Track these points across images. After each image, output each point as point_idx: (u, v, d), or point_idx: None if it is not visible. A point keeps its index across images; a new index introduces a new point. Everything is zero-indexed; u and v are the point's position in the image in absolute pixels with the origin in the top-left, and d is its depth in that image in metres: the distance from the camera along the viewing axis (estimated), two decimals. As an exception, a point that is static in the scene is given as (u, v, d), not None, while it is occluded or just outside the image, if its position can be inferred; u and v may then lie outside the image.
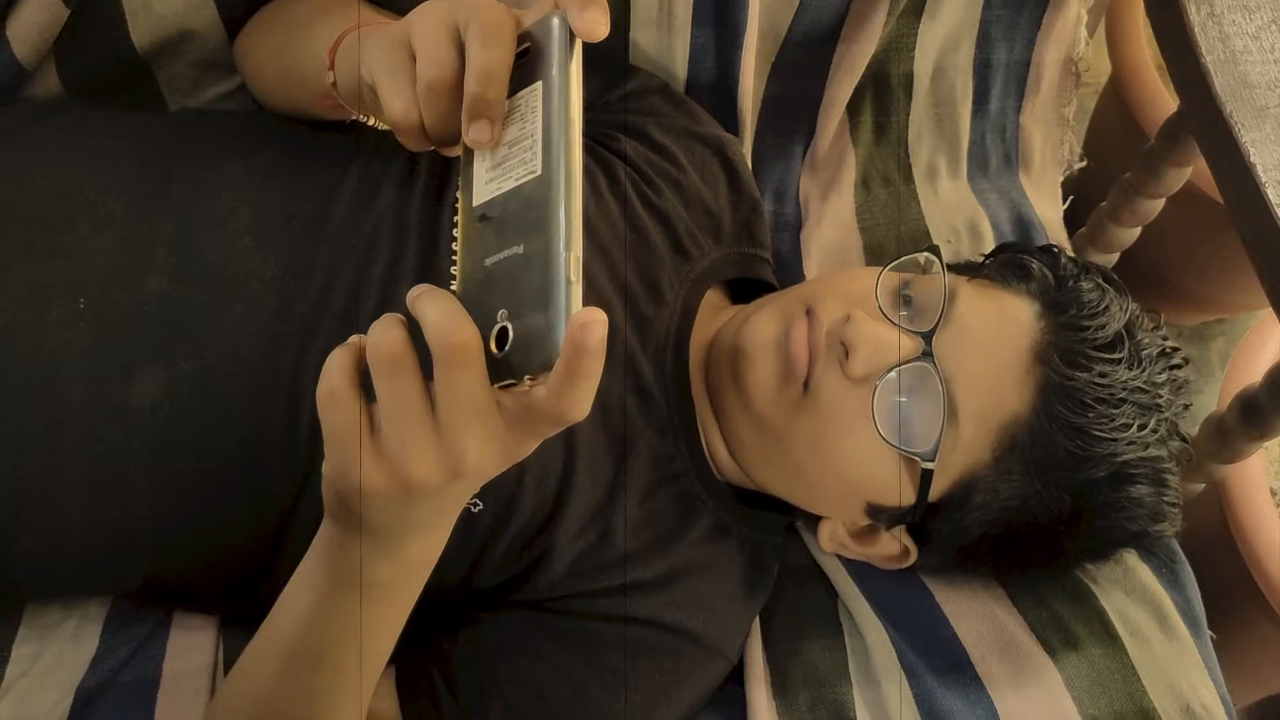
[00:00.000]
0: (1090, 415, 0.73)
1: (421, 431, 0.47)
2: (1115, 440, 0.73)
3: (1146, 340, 0.78)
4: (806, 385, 0.75)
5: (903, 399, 0.74)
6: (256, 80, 0.86)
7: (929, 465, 0.73)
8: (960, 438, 0.73)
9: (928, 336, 0.74)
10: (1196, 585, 0.90)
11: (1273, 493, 1.20)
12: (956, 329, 0.74)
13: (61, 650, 0.76)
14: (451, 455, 0.48)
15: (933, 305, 0.76)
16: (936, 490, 0.75)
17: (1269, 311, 1.33)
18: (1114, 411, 0.73)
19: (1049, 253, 0.83)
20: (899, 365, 0.73)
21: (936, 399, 0.73)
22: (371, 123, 0.68)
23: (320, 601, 0.59)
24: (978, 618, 0.84)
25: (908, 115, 1.10)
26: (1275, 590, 1.15)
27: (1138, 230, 1.16)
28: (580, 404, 0.47)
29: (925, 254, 0.79)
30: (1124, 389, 0.74)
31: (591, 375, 0.46)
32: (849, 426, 0.74)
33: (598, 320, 0.44)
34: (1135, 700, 0.80)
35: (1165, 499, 0.77)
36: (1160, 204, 1.12)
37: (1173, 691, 0.81)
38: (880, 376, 0.73)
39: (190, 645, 0.77)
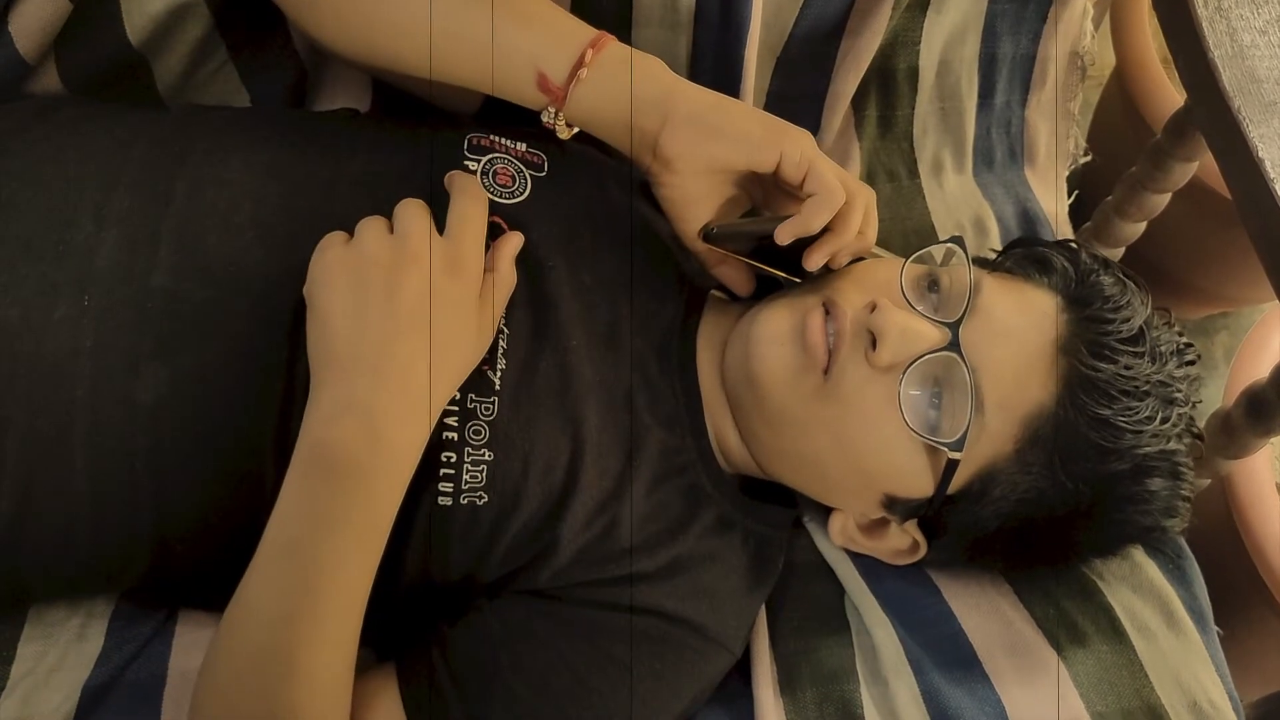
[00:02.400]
0: (1116, 407, 0.73)
1: (381, 224, 0.70)
2: (1140, 433, 0.74)
3: (1163, 336, 0.78)
4: (827, 373, 0.75)
5: (927, 390, 0.74)
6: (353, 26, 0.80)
7: (956, 456, 0.73)
8: (986, 428, 0.73)
9: (954, 326, 0.74)
10: (1203, 581, 0.90)
11: (1279, 488, 1.20)
12: (982, 319, 0.75)
13: (66, 649, 0.76)
14: (400, 234, 0.69)
15: (957, 296, 0.76)
16: (957, 482, 0.75)
17: (1274, 305, 1.34)
18: (1138, 404, 0.74)
19: (1068, 248, 0.83)
20: (927, 354, 0.73)
21: (963, 389, 0.73)
22: (551, 122, 0.78)
23: (296, 490, 0.65)
24: (985, 614, 0.84)
25: (913, 110, 1.10)
26: (1281, 586, 1.15)
27: (1143, 225, 1.16)
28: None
29: (947, 245, 0.79)
30: (1147, 382, 0.75)
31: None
32: (873, 416, 0.74)
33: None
34: (1143, 697, 0.80)
35: (1180, 492, 0.78)
36: (1166, 199, 1.12)
37: (1180, 688, 0.81)
38: (907, 366, 0.73)
39: (196, 642, 0.77)
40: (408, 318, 0.67)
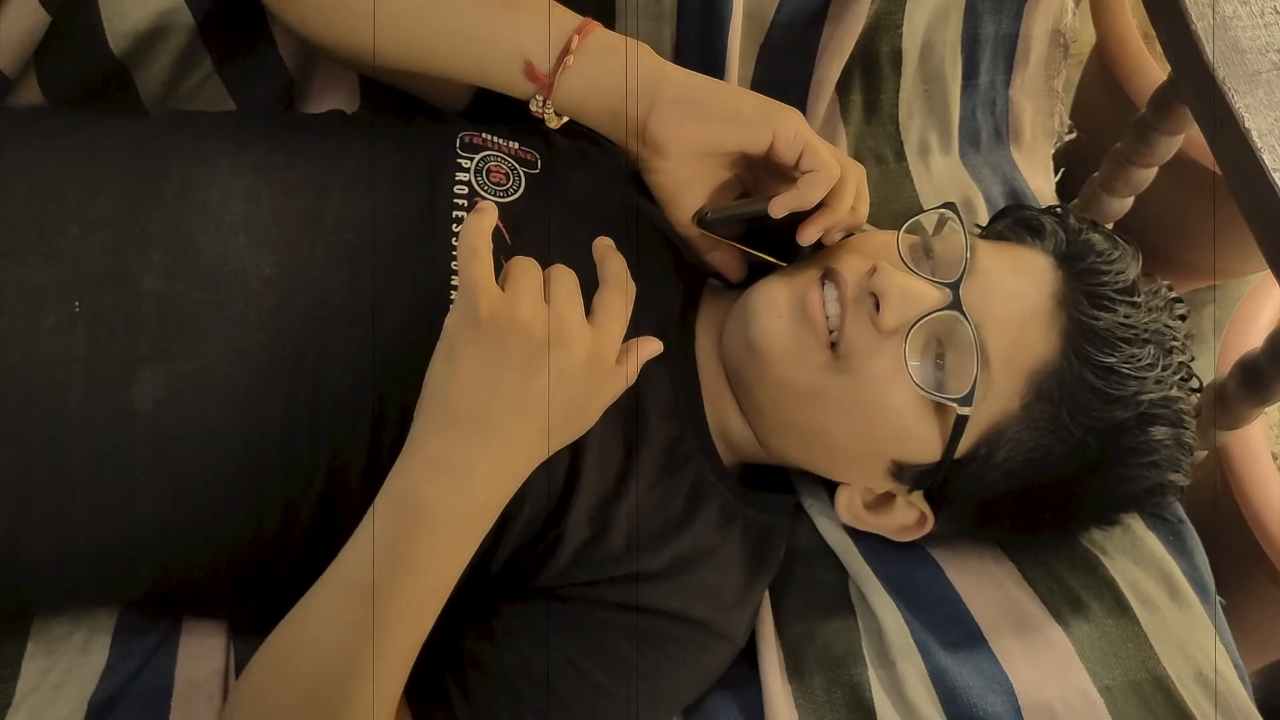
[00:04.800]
0: (1118, 355, 0.74)
1: (536, 286, 0.66)
2: (1143, 379, 0.75)
3: (1154, 289, 0.80)
4: (836, 347, 0.75)
5: (930, 352, 0.74)
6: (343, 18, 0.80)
7: (965, 412, 0.73)
8: (991, 385, 0.74)
9: (954, 286, 0.74)
10: (1203, 551, 0.91)
11: (1274, 457, 1.20)
12: (981, 279, 0.75)
13: (71, 663, 0.76)
14: (557, 313, 0.65)
15: (953, 259, 0.76)
16: (964, 444, 0.75)
17: (1265, 275, 1.34)
18: (1139, 351, 0.75)
19: (1055, 211, 0.84)
20: (930, 314, 0.73)
21: (967, 348, 0.73)
22: (543, 112, 0.77)
23: (380, 531, 0.65)
24: (989, 592, 0.84)
25: (897, 93, 1.10)
26: (1280, 554, 1.15)
27: (1130, 200, 1.16)
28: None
29: (939, 213, 0.80)
30: (1146, 330, 0.76)
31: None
32: (882, 382, 0.74)
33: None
34: (1149, 669, 0.80)
35: (1184, 440, 0.78)
36: (1153, 173, 1.12)
37: (1185, 658, 0.82)
38: (910, 326, 0.73)
39: (201, 652, 0.77)
40: (534, 398, 0.65)
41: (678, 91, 0.76)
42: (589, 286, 0.74)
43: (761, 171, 0.81)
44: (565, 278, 0.67)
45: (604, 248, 0.71)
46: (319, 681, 0.64)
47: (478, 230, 0.66)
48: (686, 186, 0.79)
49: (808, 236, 0.76)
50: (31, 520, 0.69)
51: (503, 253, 0.75)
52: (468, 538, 0.67)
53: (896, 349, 0.74)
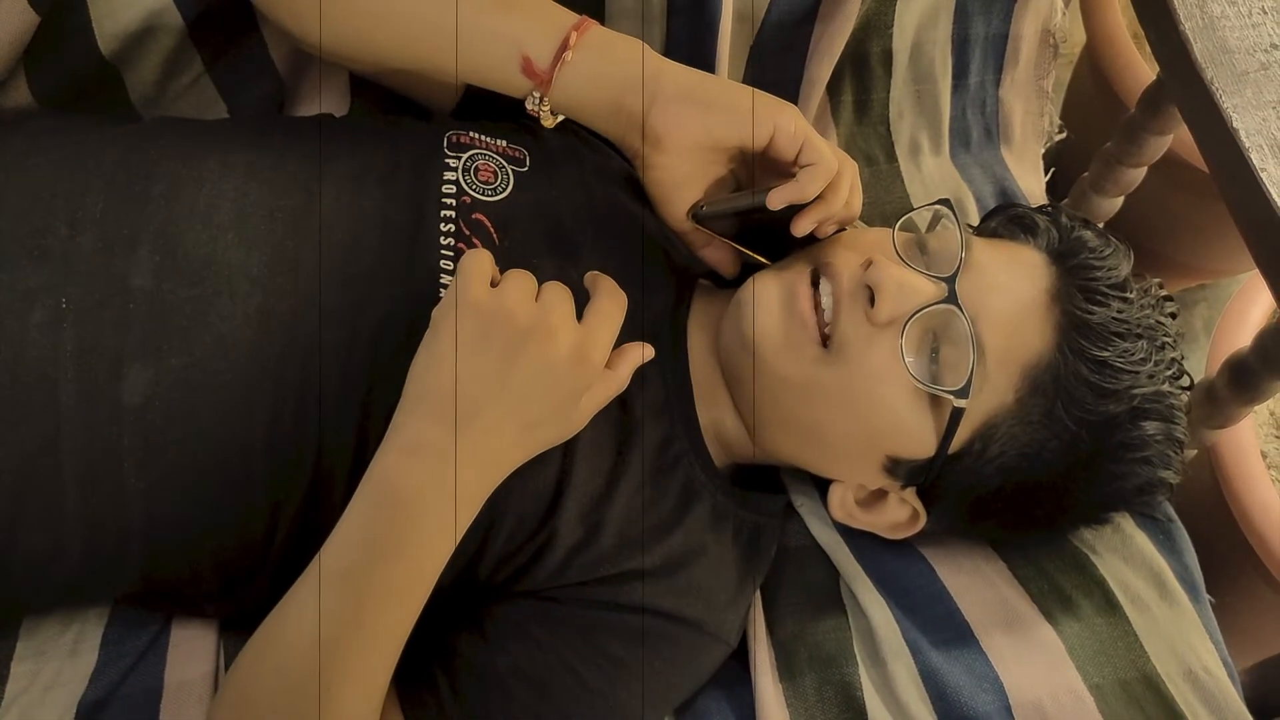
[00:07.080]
0: (1112, 349, 0.75)
1: (529, 285, 0.68)
2: (1136, 373, 0.75)
3: (1145, 286, 0.80)
4: (830, 340, 0.75)
5: (925, 346, 0.75)
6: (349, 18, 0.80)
7: (961, 404, 0.73)
8: (987, 379, 0.74)
9: (950, 280, 0.74)
10: (1193, 550, 0.91)
11: (1263, 456, 1.20)
12: (975, 273, 0.76)
13: (61, 665, 0.76)
14: (543, 305, 0.67)
15: (948, 255, 0.77)
16: (959, 440, 0.76)
17: (1254, 275, 1.34)
18: (1132, 346, 0.76)
19: (1047, 210, 0.84)
20: (926, 307, 0.73)
21: (963, 342, 0.73)
22: (540, 111, 0.77)
23: (359, 519, 0.66)
24: (980, 591, 0.84)
25: (888, 93, 1.10)
26: (1270, 553, 1.16)
27: (1120, 200, 1.16)
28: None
29: (933, 209, 0.80)
30: (1139, 325, 0.77)
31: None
32: (877, 375, 0.74)
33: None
34: (1138, 667, 0.81)
35: (1175, 436, 0.79)
36: (1142, 173, 1.13)
37: (1175, 657, 0.82)
38: (906, 320, 0.73)
39: (191, 653, 0.77)
40: (515, 386, 0.66)
41: (680, 86, 0.76)
42: (576, 285, 0.75)
43: (756, 168, 0.81)
44: (556, 287, 0.69)
45: (592, 275, 0.73)
46: (301, 671, 0.65)
47: (484, 250, 0.69)
48: (683, 183, 0.79)
49: (802, 227, 0.77)
50: (25, 516, 0.69)
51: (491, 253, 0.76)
52: (446, 523, 0.67)
53: (891, 343, 0.74)
